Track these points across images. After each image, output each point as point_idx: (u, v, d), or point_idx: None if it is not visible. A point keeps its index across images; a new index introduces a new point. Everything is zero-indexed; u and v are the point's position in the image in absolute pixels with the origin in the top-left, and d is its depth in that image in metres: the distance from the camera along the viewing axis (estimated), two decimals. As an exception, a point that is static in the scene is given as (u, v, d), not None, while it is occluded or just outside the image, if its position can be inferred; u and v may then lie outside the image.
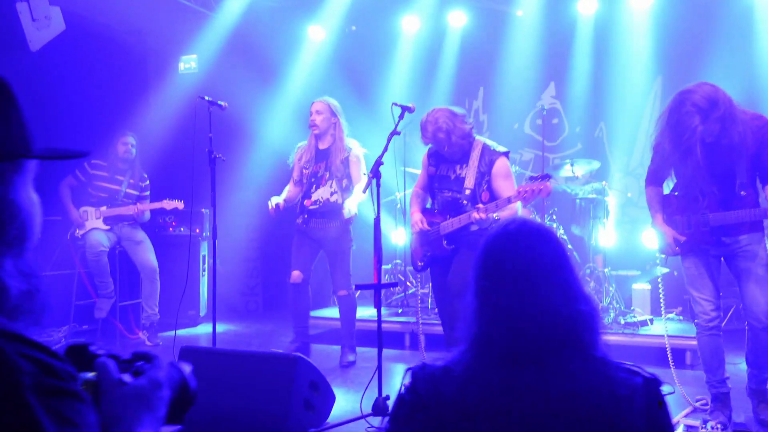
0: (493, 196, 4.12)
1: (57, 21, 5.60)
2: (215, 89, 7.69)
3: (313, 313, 6.39)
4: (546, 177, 3.63)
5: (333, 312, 6.59)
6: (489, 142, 4.28)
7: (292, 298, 5.33)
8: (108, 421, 1.04)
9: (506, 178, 4.15)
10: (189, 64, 8.94)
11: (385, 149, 4.03)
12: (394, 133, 4.02)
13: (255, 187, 8.09)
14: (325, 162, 5.20)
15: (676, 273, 6.62)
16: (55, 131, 5.73)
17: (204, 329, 6.98)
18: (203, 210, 7.22)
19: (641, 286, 6.11)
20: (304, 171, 5.30)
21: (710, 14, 7.35)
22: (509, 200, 3.83)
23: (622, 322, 5.54)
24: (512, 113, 8.77)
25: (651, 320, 5.65)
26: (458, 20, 8.40)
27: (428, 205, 4.59)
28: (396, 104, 4.01)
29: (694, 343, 5.03)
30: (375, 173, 3.91)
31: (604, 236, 6.43)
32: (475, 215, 3.92)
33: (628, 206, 7.91)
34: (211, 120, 4.73)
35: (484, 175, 4.14)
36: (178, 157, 6.97)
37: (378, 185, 3.92)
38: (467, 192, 4.12)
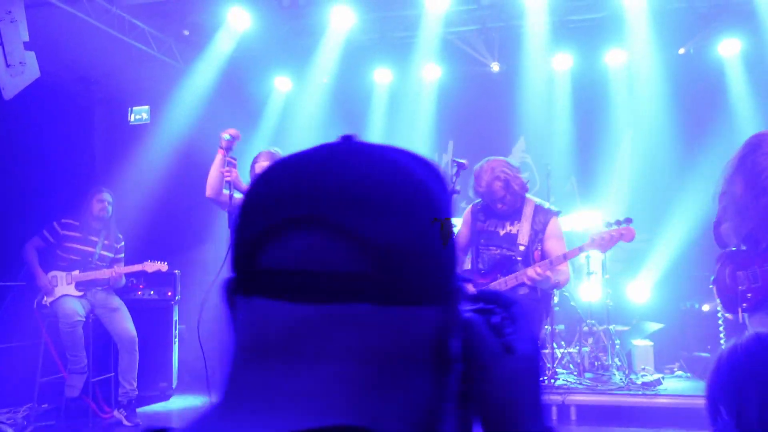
0: (546, 257, 3.90)
1: (32, 67, 5.11)
2: (191, 142, 7.39)
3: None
4: (628, 220, 3.46)
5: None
6: (539, 200, 4.10)
7: None
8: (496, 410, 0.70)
9: (560, 239, 3.98)
10: (140, 115, 8.51)
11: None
12: (453, 192, 3.78)
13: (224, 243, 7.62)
14: None
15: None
16: (30, 185, 5.16)
17: (177, 403, 6.37)
18: (175, 271, 6.67)
19: (642, 343, 6.04)
20: None
21: (680, 72, 7.60)
22: (581, 249, 3.65)
23: (639, 382, 5.41)
24: (483, 167, 8.75)
25: (662, 378, 5.55)
26: (432, 74, 8.32)
27: (467, 266, 4.33)
28: (455, 160, 3.77)
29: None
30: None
31: (589, 292, 6.39)
32: (532, 273, 3.69)
33: (608, 260, 7.92)
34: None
35: (538, 233, 3.95)
36: (154, 215, 6.46)
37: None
38: (521, 248, 3.88)
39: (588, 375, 5.80)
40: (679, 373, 5.98)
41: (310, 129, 8.23)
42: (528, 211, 3.99)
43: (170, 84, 7.87)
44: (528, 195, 4.07)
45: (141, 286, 6.64)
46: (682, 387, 5.47)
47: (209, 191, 4.36)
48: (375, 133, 8.71)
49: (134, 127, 8.33)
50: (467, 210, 4.30)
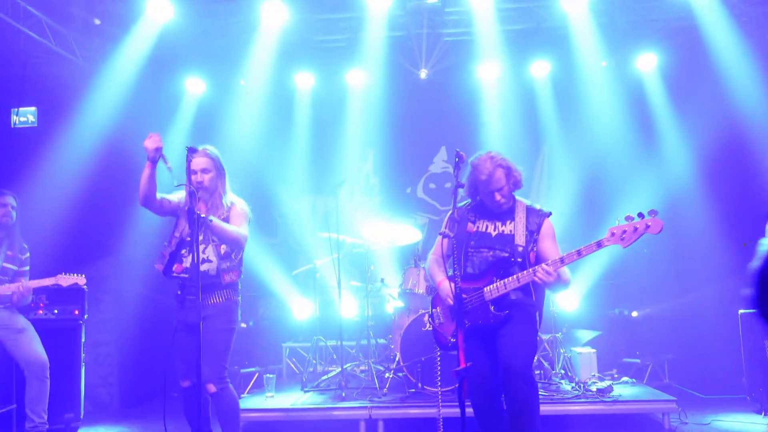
0: (541, 257, 3.68)
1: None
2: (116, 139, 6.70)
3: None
4: (654, 212, 3.25)
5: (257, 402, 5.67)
6: (528, 201, 3.87)
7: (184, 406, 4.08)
8: None
9: (554, 240, 3.76)
10: (25, 117, 7.64)
11: (454, 204, 3.48)
12: (459, 185, 3.49)
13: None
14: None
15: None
16: None
17: (87, 437, 5.61)
18: (83, 286, 5.90)
19: (585, 350, 6.01)
20: (176, 235, 4.08)
21: (598, 83, 7.78)
22: (599, 244, 3.35)
23: (594, 389, 5.34)
24: (404, 177, 8.57)
25: (612, 385, 5.52)
26: (357, 80, 8.04)
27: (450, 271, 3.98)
28: (457, 151, 3.46)
29: (674, 405, 5.02)
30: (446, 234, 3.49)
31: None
32: (542, 274, 3.42)
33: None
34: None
35: (533, 233, 3.71)
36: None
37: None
38: (519, 249, 3.62)
39: (537, 385, 5.67)
40: (625, 378, 6.00)
41: (231, 131, 7.70)
42: (520, 212, 3.75)
43: (67, 82, 7.10)
44: (517, 196, 3.83)
45: (42, 304, 5.81)
46: (633, 392, 5.45)
47: (140, 198, 4.00)
48: (296, 141, 8.30)
49: (20, 130, 7.45)
50: (449, 215, 3.95)
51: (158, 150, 3.81)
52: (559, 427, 5.14)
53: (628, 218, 3.32)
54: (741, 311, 5.80)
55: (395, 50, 7.72)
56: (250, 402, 5.69)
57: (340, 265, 6.03)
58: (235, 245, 4.08)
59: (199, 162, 3.98)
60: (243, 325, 7.75)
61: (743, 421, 5.30)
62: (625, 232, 3.29)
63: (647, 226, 3.24)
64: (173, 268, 3.95)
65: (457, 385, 4.09)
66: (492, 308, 3.61)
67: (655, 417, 5.39)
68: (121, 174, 7.19)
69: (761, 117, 6.60)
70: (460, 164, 3.42)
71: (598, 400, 5.16)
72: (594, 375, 5.82)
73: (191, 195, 3.69)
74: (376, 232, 6.47)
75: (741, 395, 6.03)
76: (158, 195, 3.99)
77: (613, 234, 3.33)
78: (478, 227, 3.78)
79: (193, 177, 3.86)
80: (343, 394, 5.56)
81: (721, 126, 6.64)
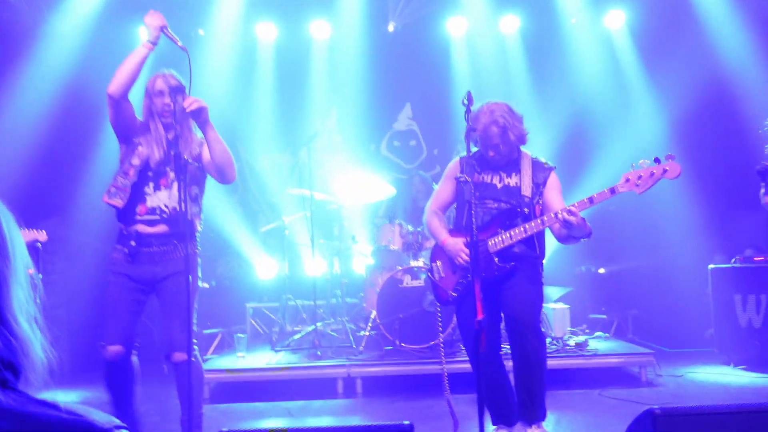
0: (547, 209, 3.51)
1: None
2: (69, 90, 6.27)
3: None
4: (671, 156, 3.09)
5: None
6: (533, 154, 3.72)
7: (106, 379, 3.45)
8: None
9: (560, 193, 3.60)
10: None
11: (468, 148, 3.26)
12: (471, 129, 3.27)
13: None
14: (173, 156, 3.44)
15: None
16: None
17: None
18: (37, 244, 5.53)
19: (559, 306, 6.02)
20: (134, 163, 3.41)
21: (568, 39, 7.71)
22: (613, 191, 3.17)
23: (573, 343, 5.35)
24: (368, 134, 8.36)
25: (587, 340, 5.54)
26: (321, 31, 7.74)
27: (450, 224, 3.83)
28: (469, 93, 3.16)
29: (651, 359, 5.07)
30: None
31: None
32: (564, 214, 3.17)
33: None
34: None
35: (539, 186, 3.55)
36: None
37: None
38: (526, 200, 3.47)
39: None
40: (599, 333, 6.05)
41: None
42: (526, 164, 3.59)
43: (11, 30, 6.59)
44: (522, 148, 3.68)
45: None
46: (608, 347, 5.49)
47: (115, 86, 3.27)
48: (259, 96, 7.97)
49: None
50: (454, 162, 3.78)
51: (164, 27, 3.32)
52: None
53: (643, 162, 3.18)
54: (711, 266, 5.89)
55: (362, 0, 7.46)
56: (221, 362, 5.49)
57: (313, 223, 5.82)
58: (230, 168, 3.50)
59: (169, 81, 3.42)
60: (205, 285, 7.48)
61: (714, 372, 5.41)
62: (641, 177, 3.15)
63: (665, 171, 3.11)
64: (136, 210, 3.34)
65: (440, 342, 4.02)
66: (496, 260, 3.45)
67: (631, 370, 5.45)
68: (73, 126, 6.79)
69: (738, 71, 6.64)
70: (469, 107, 3.22)
71: (576, 354, 5.17)
72: (569, 330, 5.83)
73: (176, 138, 3.34)
74: (349, 188, 6.27)
75: (706, 348, 6.17)
76: None
77: (628, 180, 3.18)
78: (483, 178, 3.60)
79: (157, 100, 3.40)
80: (319, 353, 5.41)
81: (696, 82, 6.66)
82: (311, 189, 5.87)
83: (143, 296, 3.43)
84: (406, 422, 2.63)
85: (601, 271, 7.35)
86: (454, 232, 3.62)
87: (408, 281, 5.46)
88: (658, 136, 7.15)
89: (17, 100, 6.40)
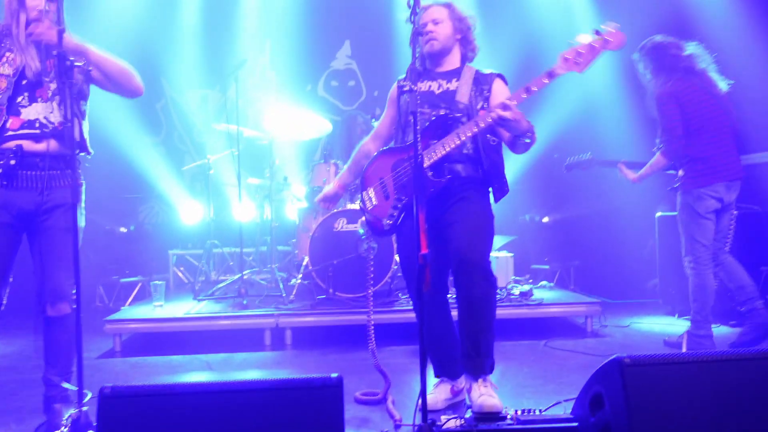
0: None
1: None
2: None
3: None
4: (612, 24, 2.67)
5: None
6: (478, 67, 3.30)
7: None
8: None
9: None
10: None
11: (413, 54, 2.69)
12: (418, 33, 2.71)
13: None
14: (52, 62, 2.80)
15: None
16: None
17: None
18: None
19: (503, 254, 5.71)
20: (4, 71, 2.81)
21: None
22: (550, 74, 2.73)
23: (517, 292, 5.05)
24: (304, 73, 7.79)
25: (532, 289, 5.25)
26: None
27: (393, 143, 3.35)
28: None
29: (598, 308, 4.83)
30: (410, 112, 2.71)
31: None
32: (499, 110, 2.73)
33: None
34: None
35: (483, 91, 3.09)
36: None
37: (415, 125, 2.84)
38: (461, 106, 3.03)
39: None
40: (543, 282, 5.78)
41: (106, 11, 6.59)
42: (468, 74, 3.14)
43: None
44: (469, 65, 3.26)
45: None
46: (553, 296, 5.21)
47: None
48: (184, 26, 7.29)
49: None
50: (393, 88, 3.38)
51: None
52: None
53: (581, 37, 2.71)
54: (658, 214, 5.67)
55: None
56: (135, 312, 4.97)
57: (240, 161, 5.30)
58: (129, 79, 2.95)
59: None
60: (123, 229, 6.88)
61: (660, 322, 5.22)
62: (579, 54, 2.68)
63: (606, 42, 2.65)
64: (7, 124, 2.74)
65: (370, 288, 3.46)
66: (430, 174, 2.96)
67: (576, 321, 5.21)
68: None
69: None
70: (415, 8, 2.72)
71: (522, 303, 4.87)
72: (512, 279, 5.54)
73: (60, 33, 2.66)
74: (280, 124, 5.74)
75: (650, 299, 6.01)
76: None
77: (566, 60, 2.71)
78: (420, 87, 3.16)
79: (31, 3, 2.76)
80: (245, 302, 4.95)
81: (650, 17, 6.32)
82: (239, 125, 5.33)
83: (19, 233, 2.83)
84: (335, 375, 2.24)
85: (545, 220, 7.09)
86: (387, 151, 3.18)
87: (343, 225, 5.03)
88: (606, 77, 6.82)
89: None
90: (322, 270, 5.03)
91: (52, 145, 2.78)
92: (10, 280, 2.85)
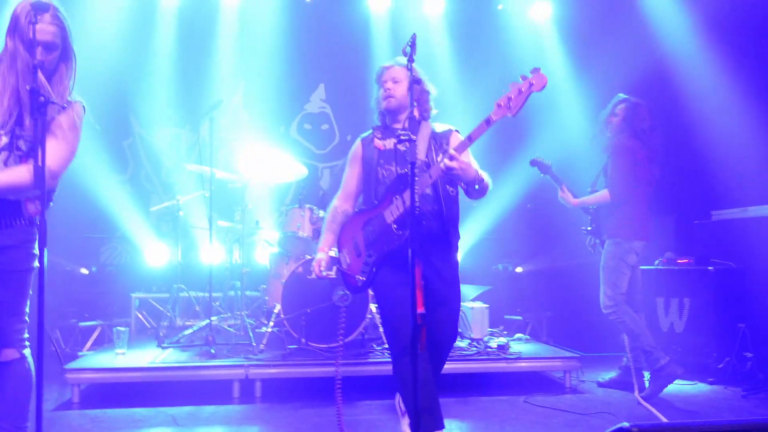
0: None
1: None
2: None
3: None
4: (536, 69, 2.81)
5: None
6: (433, 123, 3.47)
7: None
8: None
9: (467, 154, 3.30)
10: None
11: (411, 102, 2.78)
12: (415, 81, 2.87)
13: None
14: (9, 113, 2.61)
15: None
16: None
17: None
18: None
19: (477, 305, 5.61)
20: None
21: (494, 27, 7.38)
22: (488, 121, 2.88)
23: (494, 345, 4.94)
24: (277, 114, 7.70)
25: (509, 342, 5.15)
26: (230, -3, 7.05)
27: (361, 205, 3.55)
28: (412, 40, 2.77)
29: (576, 363, 4.75)
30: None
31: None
32: (446, 162, 2.90)
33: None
34: None
35: (442, 145, 3.28)
36: None
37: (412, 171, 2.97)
38: (419, 163, 3.11)
39: (428, 341, 5.20)
40: (519, 335, 5.67)
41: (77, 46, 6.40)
42: (425, 131, 3.32)
43: None
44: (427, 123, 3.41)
45: None
46: (531, 349, 5.11)
47: None
48: (157, 62, 7.15)
49: None
50: (355, 144, 3.52)
51: None
52: (460, 386, 4.68)
53: (512, 85, 2.86)
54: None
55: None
56: (95, 360, 4.70)
57: (211, 203, 5.13)
58: (19, 192, 2.60)
59: (45, 30, 2.57)
60: (84, 271, 6.61)
61: (637, 378, 5.14)
62: (510, 99, 2.85)
63: (531, 85, 2.81)
64: None
65: (340, 339, 3.54)
66: (394, 227, 3.10)
67: (553, 375, 5.11)
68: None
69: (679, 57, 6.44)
70: (412, 55, 2.78)
71: (499, 357, 4.76)
72: (489, 331, 5.44)
73: (34, 69, 2.51)
74: (254, 166, 5.59)
75: (623, 353, 5.94)
76: None
77: (499, 106, 2.88)
78: (384, 145, 3.33)
79: (25, 51, 2.56)
80: (213, 351, 4.74)
81: (622, 80, 6.41)
82: (212, 166, 5.18)
83: None
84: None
85: (519, 270, 7.03)
86: (358, 213, 3.37)
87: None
88: (584, 130, 6.87)
89: None
90: (294, 319, 4.86)
91: None
92: None
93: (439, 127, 3.39)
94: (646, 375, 4.73)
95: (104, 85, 6.56)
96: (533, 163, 4.86)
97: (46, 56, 2.60)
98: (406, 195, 2.98)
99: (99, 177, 6.77)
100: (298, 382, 4.61)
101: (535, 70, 2.80)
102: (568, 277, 6.85)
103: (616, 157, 4.57)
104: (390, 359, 3.14)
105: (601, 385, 4.83)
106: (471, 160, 3.23)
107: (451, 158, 2.90)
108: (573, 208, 4.82)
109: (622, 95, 4.84)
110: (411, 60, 2.76)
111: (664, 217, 6.36)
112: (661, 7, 6.55)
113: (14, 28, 2.59)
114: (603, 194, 4.61)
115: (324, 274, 3.38)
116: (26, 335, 2.67)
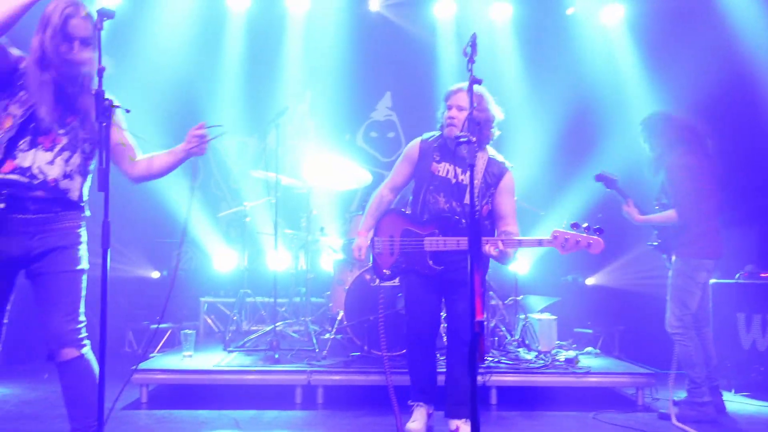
0: (495, 213, 3.61)
1: None
2: None
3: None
4: (600, 231, 3.13)
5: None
6: (492, 151, 3.67)
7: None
8: None
9: (512, 196, 3.67)
10: None
11: (471, 107, 2.76)
12: (474, 81, 2.83)
13: None
14: (71, 113, 2.69)
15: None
16: None
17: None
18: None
19: (545, 317, 5.46)
20: (12, 110, 2.62)
21: (563, 32, 7.21)
22: (540, 242, 3.24)
23: (562, 359, 4.78)
24: (343, 122, 7.73)
25: (578, 356, 4.97)
26: (298, 5, 7.12)
27: (407, 209, 3.81)
28: (473, 40, 2.76)
29: (651, 380, 4.55)
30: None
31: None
32: (491, 250, 3.29)
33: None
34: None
35: (490, 187, 3.57)
36: None
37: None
38: (467, 209, 3.21)
39: (493, 352, 5.09)
40: (589, 349, 5.47)
41: (150, 56, 6.63)
42: (481, 163, 3.53)
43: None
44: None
45: None
46: (601, 364, 4.92)
47: None
48: (226, 72, 7.30)
49: None
50: (414, 144, 3.74)
51: None
52: (525, 400, 4.54)
53: (574, 226, 3.19)
54: (712, 281, 5.37)
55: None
56: (164, 362, 4.79)
57: (277, 210, 5.17)
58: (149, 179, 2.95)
59: (83, 25, 2.59)
60: (156, 275, 6.78)
61: (715, 397, 4.87)
62: (567, 240, 3.18)
63: (588, 245, 3.15)
64: (1, 167, 2.56)
65: (383, 349, 4.18)
66: (430, 261, 3.55)
67: (625, 392, 4.90)
68: None
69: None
70: (473, 56, 2.74)
71: (568, 371, 4.59)
72: (557, 344, 5.27)
73: (99, 73, 2.43)
74: (319, 173, 5.62)
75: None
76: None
77: (555, 237, 3.20)
78: (440, 171, 3.60)
79: (64, 46, 2.59)
80: (277, 356, 4.76)
81: (699, 85, 6.13)
82: (278, 172, 5.22)
83: (10, 279, 2.67)
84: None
85: (589, 281, 6.81)
86: (403, 214, 3.71)
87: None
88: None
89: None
90: (357, 326, 4.83)
91: (42, 193, 2.62)
92: (5, 321, 2.70)
93: (495, 162, 3.60)
94: (725, 394, 4.48)
95: (177, 93, 6.76)
96: (599, 178, 4.63)
97: (82, 52, 2.62)
98: (448, 240, 3.45)
99: (170, 183, 6.95)
100: (361, 389, 4.57)
101: (599, 231, 3.14)
102: (642, 291, 6.59)
103: (673, 177, 4.32)
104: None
105: (676, 404, 4.57)
106: (513, 202, 3.65)
107: (496, 248, 3.28)
108: (637, 224, 4.58)
109: (653, 112, 4.63)
110: (471, 61, 2.72)
111: (744, 228, 6.04)
112: (741, 6, 6.24)
113: (46, 25, 2.59)
114: (669, 214, 4.33)
115: (358, 257, 3.77)
116: (84, 334, 2.69)
